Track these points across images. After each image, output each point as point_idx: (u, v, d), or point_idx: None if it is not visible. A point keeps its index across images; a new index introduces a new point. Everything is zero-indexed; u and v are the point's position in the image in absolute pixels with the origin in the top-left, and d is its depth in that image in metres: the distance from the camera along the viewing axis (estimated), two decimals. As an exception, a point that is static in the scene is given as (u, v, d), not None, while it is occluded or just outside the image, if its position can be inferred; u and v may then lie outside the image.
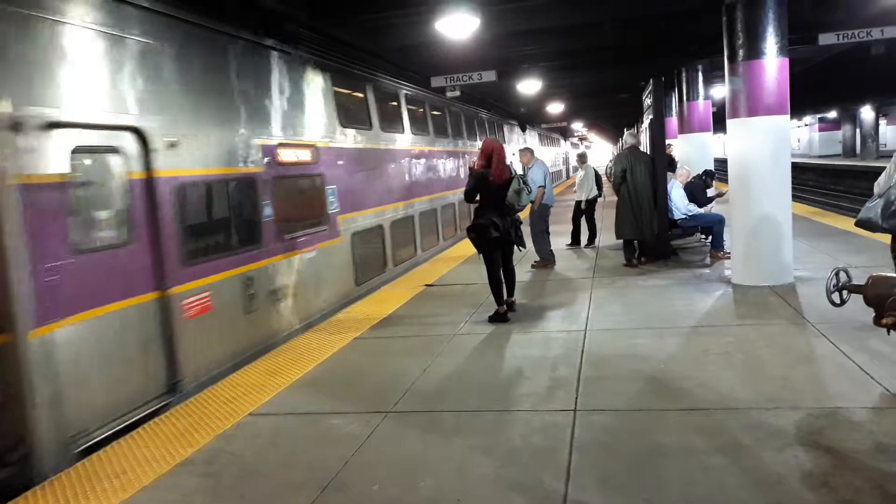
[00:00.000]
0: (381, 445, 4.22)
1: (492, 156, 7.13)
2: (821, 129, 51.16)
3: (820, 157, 47.11)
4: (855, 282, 2.46)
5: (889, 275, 2.17)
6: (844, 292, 2.42)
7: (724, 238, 9.54)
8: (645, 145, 12.13)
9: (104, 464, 4.20)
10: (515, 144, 23.07)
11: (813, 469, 3.49)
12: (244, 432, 4.60)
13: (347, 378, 5.65)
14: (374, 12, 8.81)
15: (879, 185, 4.36)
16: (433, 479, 3.72)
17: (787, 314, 6.56)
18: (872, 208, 4.24)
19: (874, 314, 2.18)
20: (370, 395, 5.15)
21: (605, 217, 12.50)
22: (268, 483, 3.83)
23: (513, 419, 4.50)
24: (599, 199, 12.72)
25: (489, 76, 11.62)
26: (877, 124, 40.40)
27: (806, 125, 53.51)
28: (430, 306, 8.14)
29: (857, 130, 42.05)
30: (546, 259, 10.24)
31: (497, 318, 7.15)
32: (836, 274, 2.45)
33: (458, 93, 12.07)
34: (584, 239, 12.26)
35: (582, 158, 13.09)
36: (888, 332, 2.10)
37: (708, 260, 9.72)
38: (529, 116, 27.80)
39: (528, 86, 15.14)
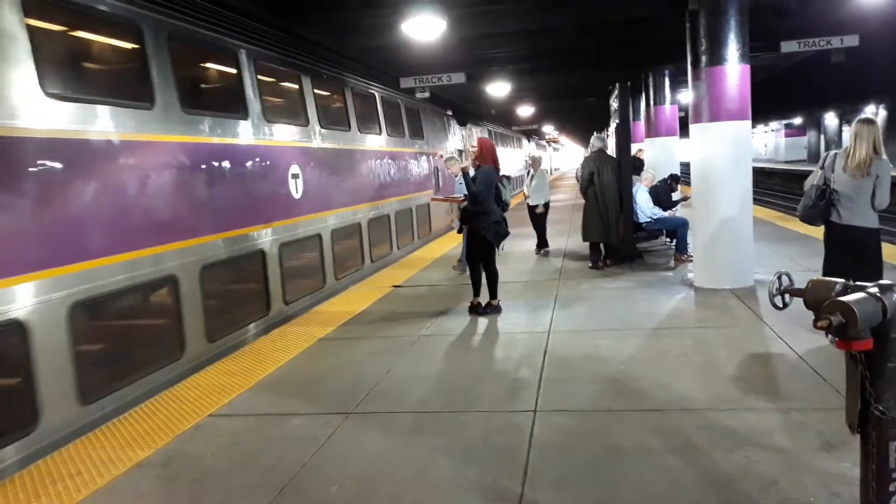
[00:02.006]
0: (341, 446, 4.23)
1: (491, 155, 7.44)
2: (787, 135, 52.16)
3: (786, 161, 48.04)
4: (797, 285, 2.53)
5: (828, 279, 2.24)
6: (786, 296, 2.49)
7: (688, 241, 9.69)
8: (612, 149, 12.28)
9: (59, 465, 4.15)
10: (448, 143, 18.66)
11: (763, 469, 3.57)
12: (203, 433, 4.57)
13: (310, 379, 5.63)
14: (337, 12, 8.81)
15: (808, 181, 5.28)
16: (392, 480, 3.73)
17: (746, 317, 6.69)
18: (802, 200, 5.30)
19: (813, 317, 2.24)
20: (332, 397, 5.15)
21: (574, 220, 12.60)
22: (225, 484, 3.81)
23: (474, 419, 4.53)
24: (557, 204, 12.87)
25: (458, 78, 11.66)
26: (840, 130, 41.29)
27: (773, 131, 54.51)
28: (397, 307, 8.15)
29: (822, 136, 42.96)
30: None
31: (495, 310, 7.44)
32: (779, 278, 2.51)
33: (427, 94, 12.08)
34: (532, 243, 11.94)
35: (535, 162, 12.64)
36: (826, 335, 2.17)
37: (672, 263, 9.86)
38: (475, 109, 22.61)
39: (498, 88, 15.21)
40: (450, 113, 19.51)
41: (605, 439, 4.08)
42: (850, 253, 5.32)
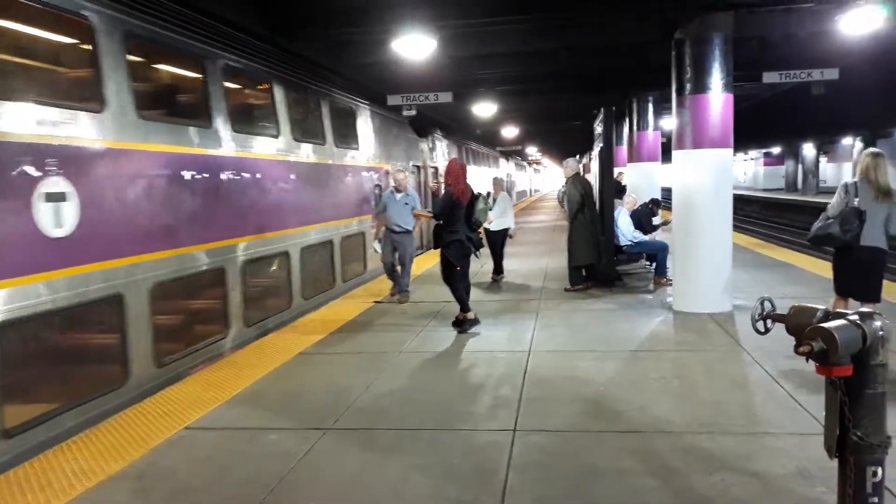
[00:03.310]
0: (318, 462, 4.19)
1: (456, 176, 7.60)
2: (765, 164, 52.92)
3: (764, 189, 48.70)
4: (779, 311, 2.56)
5: (810, 305, 2.28)
6: (768, 321, 2.52)
7: (668, 265, 9.78)
8: (595, 172, 12.39)
9: (29, 476, 4.07)
10: (401, 158, 15.32)
11: (739, 493, 3.59)
12: (179, 447, 4.51)
13: (288, 394, 5.59)
14: (332, 29, 8.86)
15: (834, 207, 5.74)
16: (369, 497, 3.70)
17: (724, 341, 6.74)
18: (830, 226, 5.69)
19: (795, 343, 2.27)
20: (310, 412, 5.11)
21: (555, 241, 12.65)
22: (200, 498, 3.76)
23: (453, 438, 4.51)
24: (538, 225, 12.84)
25: (445, 97, 11.74)
26: (817, 161, 41.98)
27: (752, 159, 55.28)
28: (377, 323, 8.12)
29: (800, 166, 43.62)
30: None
31: (472, 323, 7.57)
32: (762, 303, 2.55)
33: (413, 112, 12.13)
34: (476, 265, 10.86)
35: (497, 184, 11.63)
36: (807, 360, 2.20)
37: (651, 286, 9.93)
38: (442, 120, 19.31)
39: (484, 108, 15.31)
40: (405, 120, 15.69)
41: (583, 460, 4.08)
42: (866, 271, 5.80)
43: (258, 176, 8.66)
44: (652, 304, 8.70)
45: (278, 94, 9.40)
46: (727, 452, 4.09)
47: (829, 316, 2.28)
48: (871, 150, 5.95)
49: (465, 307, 7.64)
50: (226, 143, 7.89)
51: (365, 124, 12.93)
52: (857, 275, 5.82)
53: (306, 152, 10.15)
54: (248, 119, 8.87)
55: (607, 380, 5.62)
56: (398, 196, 9.34)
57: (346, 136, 12.03)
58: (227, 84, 8.14)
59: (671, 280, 9.19)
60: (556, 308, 8.66)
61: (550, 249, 13.61)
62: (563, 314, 8.31)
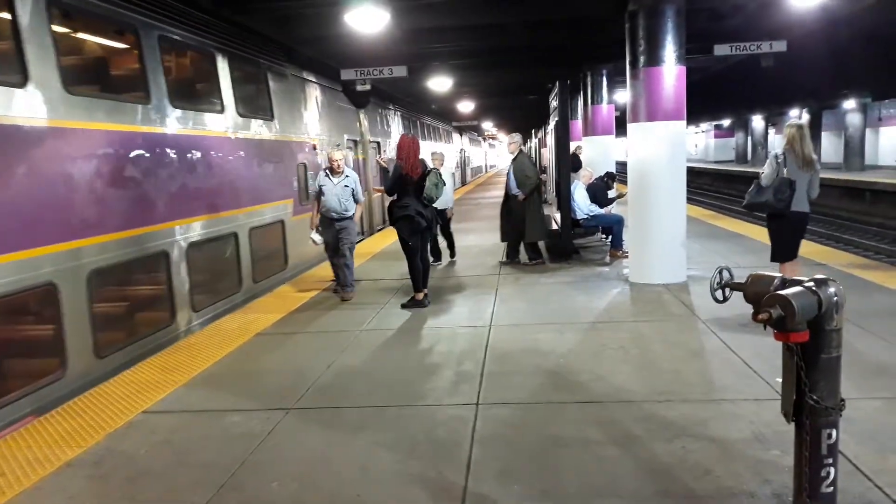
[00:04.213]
0: (281, 443, 4.15)
1: (407, 152, 7.52)
2: (716, 136, 53.87)
3: (715, 162, 49.61)
4: (737, 280, 2.60)
5: (768, 273, 2.32)
6: (727, 290, 2.56)
7: (623, 238, 9.90)
8: (551, 147, 12.43)
9: (-19, 466, 3.95)
10: (332, 131, 13.25)
11: (699, 458, 3.67)
12: (137, 431, 4.42)
13: (248, 375, 5.52)
14: (280, 1, 8.64)
15: (767, 177, 6.18)
16: (334, 476, 3.69)
17: (680, 311, 6.87)
18: (765, 194, 6.15)
19: (753, 311, 2.31)
20: (271, 392, 5.06)
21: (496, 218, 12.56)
22: (161, 483, 3.69)
23: (417, 414, 4.52)
24: (494, 200, 12.62)
25: (400, 71, 11.60)
26: (766, 133, 42.85)
27: (703, 132, 56.18)
28: (336, 302, 8.06)
29: (749, 138, 44.50)
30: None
31: (416, 304, 7.50)
32: (720, 272, 2.58)
33: (368, 87, 11.97)
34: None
35: (436, 159, 10.21)
36: (764, 328, 2.24)
37: (607, 259, 10.06)
38: (386, 89, 17.12)
39: (439, 83, 15.20)
40: (339, 88, 13.94)
41: (546, 431, 4.13)
42: (796, 233, 6.44)
43: (106, 152, 6.61)
44: (608, 277, 8.81)
45: (148, 45, 7.43)
46: (686, 419, 4.18)
47: (785, 283, 2.33)
48: (795, 121, 6.43)
49: (416, 286, 7.62)
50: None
51: (282, 90, 10.98)
52: (790, 239, 6.43)
53: (194, 123, 8.30)
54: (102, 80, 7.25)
55: (567, 351, 5.69)
56: (335, 179, 8.12)
57: (255, 103, 10.22)
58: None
59: (627, 252, 9.32)
60: (515, 283, 8.71)
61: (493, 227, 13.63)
62: (522, 288, 8.36)
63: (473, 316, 7.09)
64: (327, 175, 8.17)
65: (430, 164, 8.35)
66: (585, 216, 10.46)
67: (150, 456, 4.04)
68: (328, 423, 4.43)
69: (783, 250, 6.45)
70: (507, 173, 10.12)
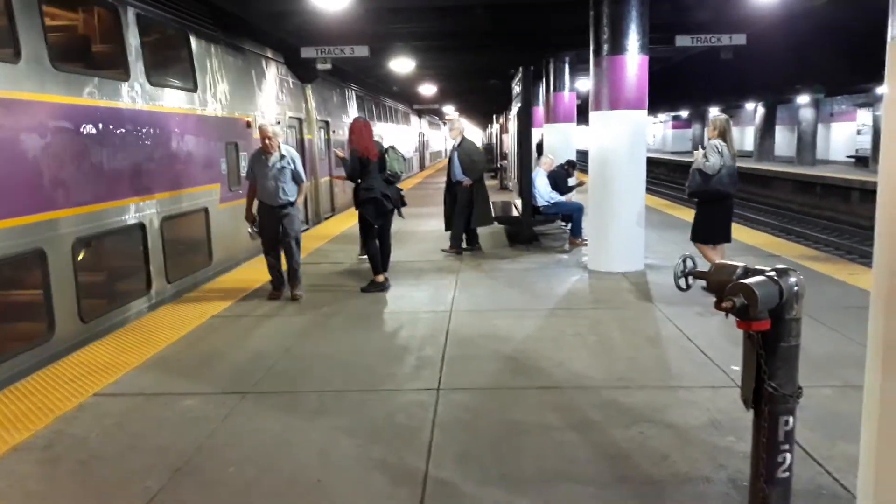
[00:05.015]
0: (238, 427, 4.08)
1: (359, 135, 7.44)
2: (674, 127, 54.70)
3: (672, 152, 50.39)
4: (700, 268, 2.63)
5: (731, 262, 2.34)
6: (690, 278, 2.59)
7: (583, 226, 9.98)
8: (513, 133, 12.44)
9: (-79, 450, 3.80)
10: (270, 106, 12.12)
11: (656, 444, 3.72)
12: (88, 414, 4.29)
13: (203, 357, 5.41)
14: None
15: (713, 166, 6.72)
16: (293, 460, 3.64)
17: (638, 299, 6.96)
18: (710, 180, 6.74)
19: (715, 299, 2.33)
20: (227, 376, 4.97)
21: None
22: (113, 467, 3.59)
23: (378, 399, 4.49)
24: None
25: (362, 51, 11.46)
26: (722, 125, 43.62)
27: (661, 122, 56.98)
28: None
29: (706, 129, 45.28)
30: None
31: (376, 288, 7.44)
32: (684, 260, 2.61)
33: (328, 66, 11.78)
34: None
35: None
36: (727, 316, 2.26)
37: (567, 246, 10.13)
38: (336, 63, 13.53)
39: (401, 64, 15.05)
40: (281, 59, 12.87)
41: (505, 416, 4.14)
42: (728, 215, 7.12)
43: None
44: (568, 264, 8.88)
45: None
46: (644, 406, 4.24)
47: (748, 273, 2.35)
48: (722, 115, 7.16)
49: (375, 269, 7.57)
50: None
51: (206, 56, 9.64)
52: (726, 221, 7.10)
53: (82, 89, 6.79)
54: None
55: (526, 337, 5.72)
56: (270, 159, 7.04)
57: (172, 70, 8.92)
58: None
59: (586, 240, 9.40)
60: (476, 268, 8.72)
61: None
62: (483, 274, 8.38)
63: (435, 301, 7.07)
64: (261, 155, 7.11)
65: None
66: (546, 203, 10.51)
67: (102, 439, 3.93)
68: (287, 407, 4.37)
69: (723, 233, 7.10)
70: (450, 159, 9.86)
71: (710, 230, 7.07)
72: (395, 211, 7.67)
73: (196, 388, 4.71)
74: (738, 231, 11.09)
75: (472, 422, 4.09)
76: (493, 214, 9.95)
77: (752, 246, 9.68)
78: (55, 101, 6.33)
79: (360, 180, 7.47)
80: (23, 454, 3.76)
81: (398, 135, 26.40)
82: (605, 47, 8.00)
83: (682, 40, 12.11)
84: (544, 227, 11.35)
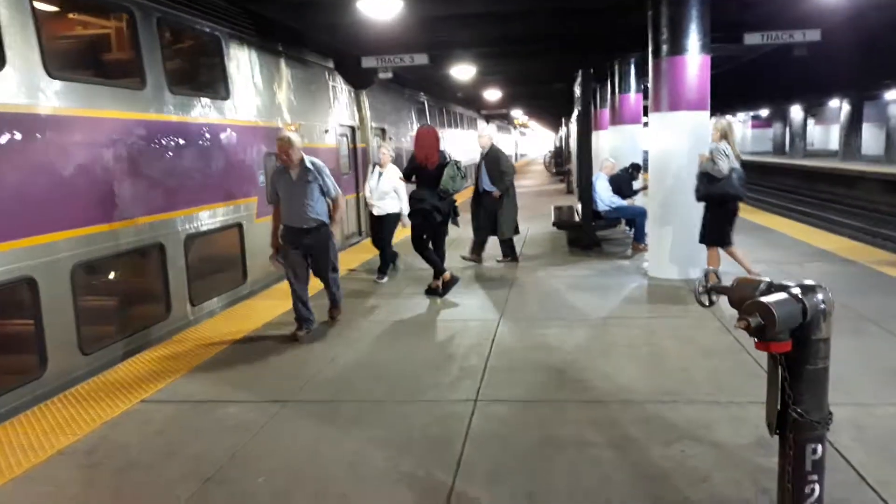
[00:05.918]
0: (274, 436, 4.11)
1: (422, 142, 7.60)
2: (753, 126, 52.77)
3: (752, 153, 48.60)
4: (723, 282, 2.47)
5: (754, 278, 2.18)
6: (713, 294, 2.43)
7: (646, 231, 9.69)
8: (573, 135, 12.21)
9: (-23, 453, 3.98)
10: (319, 116, 11.52)
11: (697, 463, 3.54)
12: (133, 420, 4.42)
13: (251, 365, 5.49)
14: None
15: (723, 170, 6.87)
16: (322, 473, 3.63)
17: (697, 308, 6.65)
18: (719, 183, 6.93)
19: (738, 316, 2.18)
20: (272, 383, 5.03)
21: (537, 206, 12.49)
22: (147, 475, 3.67)
23: (415, 409, 4.44)
24: (524, 190, 12.22)
25: (421, 59, 11.45)
26: (805, 124, 41.82)
27: (741, 122, 55.07)
28: (348, 290, 8.00)
29: (787, 129, 43.47)
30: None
31: (445, 287, 7.62)
32: (706, 275, 2.46)
33: (390, 75, 11.84)
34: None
35: (382, 152, 8.82)
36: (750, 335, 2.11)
37: (629, 252, 9.87)
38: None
39: (462, 71, 15.02)
40: (331, 65, 12.10)
41: (542, 431, 4.03)
42: (734, 218, 7.27)
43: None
44: (628, 271, 8.63)
45: None
46: (690, 422, 4.04)
47: (771, 289, 2.19)
48: (724, 119, 7.43)
49: (438, 272, 7.58)
50: None
51: (246, 63, 8.89)
52: (731, 224, 7.23)
53: (82, 99, 5.98)
54: None
55: (575, 347, 5.57)
56: (293, 174, 6.07)
57: (200, 77, 8.40)
58: None
59: (648, 246, 9.12)
60: (532, 274, 8.59)
61: (531, 215, 13.46)
62: (538, 281, 8.24)
63: (486, 308, 6.99)
64: (283, 170, 6.12)
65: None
66: (607, 208, 10.27)
67: (142, 446, 4.03)
68: (325, 417, 4.38)
69: (728, 236, 7.25)
70: (478, 168, 9.47)
71: (720, 233, 7.19)
72: (451, 221, 7.69)
73: (239, 396, 4.76)
74: (812, 235, 10.56)
75: (507, 436, 3.99)
76: (517, 226, 9.61)
77: (825, 251, 9.17)
78: (65, 116, 5.77)
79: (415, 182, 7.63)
80: (66, 458, 3.89)
81: (463, 141, 25.67)
82: (665, 48, 7.76)
83: (752, 38, 11.57)
84: (608, 232, 11.10)
